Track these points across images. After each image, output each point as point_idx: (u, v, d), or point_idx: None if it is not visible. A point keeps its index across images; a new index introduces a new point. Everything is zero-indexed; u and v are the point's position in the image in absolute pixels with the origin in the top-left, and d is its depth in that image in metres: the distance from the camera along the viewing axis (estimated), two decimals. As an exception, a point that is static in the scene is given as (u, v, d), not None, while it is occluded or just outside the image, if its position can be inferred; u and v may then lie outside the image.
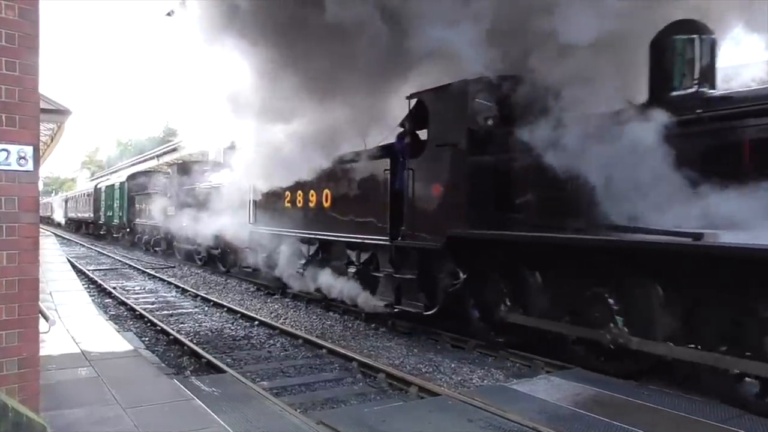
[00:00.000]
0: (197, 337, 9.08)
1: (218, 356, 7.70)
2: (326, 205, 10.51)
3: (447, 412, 5.27)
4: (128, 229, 28.37)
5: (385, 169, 9.03)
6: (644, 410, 5.23)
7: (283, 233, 11.96)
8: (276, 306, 11.86)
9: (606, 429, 4.81)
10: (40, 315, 3.88)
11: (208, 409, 4.85)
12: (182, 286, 14.42)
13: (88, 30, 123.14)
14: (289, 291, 13.06)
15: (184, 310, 11.43)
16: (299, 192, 11.31)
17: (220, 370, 6.83)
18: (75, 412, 4.65)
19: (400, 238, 8.63)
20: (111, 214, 31.92)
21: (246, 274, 15.09)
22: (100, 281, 14.99)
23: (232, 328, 9.80)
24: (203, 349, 7.98)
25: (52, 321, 5.13)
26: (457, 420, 5.03)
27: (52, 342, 6.56)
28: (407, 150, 8.75)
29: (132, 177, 29.41)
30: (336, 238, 10.37)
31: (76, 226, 45.68)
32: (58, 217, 53.82)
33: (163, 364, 7.13)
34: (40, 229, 4.46)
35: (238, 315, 10.71)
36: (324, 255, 11.21)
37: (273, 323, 9.77)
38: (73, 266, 16.65)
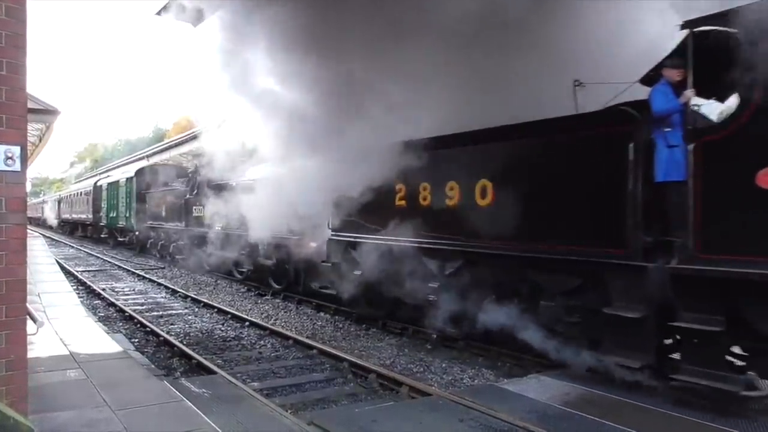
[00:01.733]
0: (187, 338, 9.04)
1: (208, 357, 7.67)
2: (483, 202, 7.26)
3: (438, 411, 5.28)
4: (137, 233, 24.35)
5: (625, 144, 5.75)
6: (634, 409, 5.27)
7: (393, 243, 8.63)
8: (267, 307, 11.83)
9: (596, 428, 4.83)
10: (27, 317, 3.84)
11: (198, 411, 4.83)
12: (172, 287, 14.34)
13: (77, 29, 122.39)
14: (276, 291, 13.11)
15: (174, 311, 11.37)
16: (424, 184, 8.14)
17: (210, 372, 6.80)
18: (63, 414, 4.62)
19: (676, 260, 5.30)
20: (114, 215, 27.99)
21: (321, 297, 11.60)
22: (89, 282, 14.88)
23: (223, 329, 9.76)
24: (193, 350, 7.95)
25: (40, 323, 5.10)
26: (448, 420, 5.04)
27: (41, 344, 6.50)
28: (686, 115, 5.48)
29: (141, 172, 25.22)
30: (507, 252, 6.97)
31: (70, 228, 41.69)
32: (51, 218, 49.94)
33: (152, 366, 7.09)
34: (29, 231, 4.39)
35: (229, 316, 10.66)
36: (472, 276, 7.70)
37: (264, 324, 9.74)
38: (62, 267, 16.52)
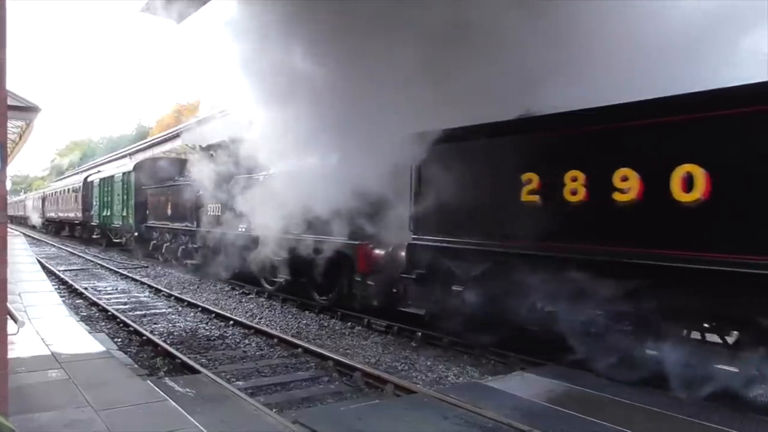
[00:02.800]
0: (171, 337, 8.98)
1: (192, 356, 7.63)
2: (686, 197, 5.30)
3: (423, 409, 5.29)
4: (136, 233, 21.57)
5: None
6: (617, 405, 5.33)
7: (523, 252, 6.67)
8: (251, 305, 11.78)
9: (580, 424, 4.88)
10: (8, 316, 3.79)
11: (182, 410, 4.80)
12: (155, 286, 14.23)
13: (57, 26, 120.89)
14: (264, 290, 12.87)
15: (158, 311, 11.29)
16: (574, 173, 6.16)
17: (194, 371, 6.76)
18: (45, 415, 4.57)
19: None
20: (108, 213, 24.92)
21: (408, 319, 9.13)
22: (71, 282, 14.71)
23: (207, 328, 9.71)
24: (177, 349, 7.90)
25: (21, 322, 5.04)
26: (432, 417, 5.06)
27: (22, 344, 6.43)
28: None
29: (141, 166, 22.38)
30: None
31: (56, 228, 38.46)
32: (34, 217, 46.67)
33: (136, 366, 7.03)
34: (9, 229, 4.31)
35: (213, 315, 10.61)
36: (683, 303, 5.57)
37: (248, 323, 9.70)
38: (43, 267, 16.32)
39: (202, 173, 14.74)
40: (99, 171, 32.25)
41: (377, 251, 9.42)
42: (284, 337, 8.65)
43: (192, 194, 16.29)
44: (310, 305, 11.19)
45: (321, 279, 10.81)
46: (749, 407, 5.30)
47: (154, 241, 20.30)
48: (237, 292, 13.41)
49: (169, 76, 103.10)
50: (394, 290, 9.10)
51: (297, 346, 8.13)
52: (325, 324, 9.96)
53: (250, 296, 12.85)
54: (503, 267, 6.87)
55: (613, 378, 6.02)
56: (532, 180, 6.61)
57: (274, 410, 5.36)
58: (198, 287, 14.39)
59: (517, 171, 6.72)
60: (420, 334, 8.61)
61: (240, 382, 6.64)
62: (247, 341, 8.77)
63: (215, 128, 15.34)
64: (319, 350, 7.78)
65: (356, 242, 9.61)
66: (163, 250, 19.33)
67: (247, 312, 11.11)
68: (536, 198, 6.54)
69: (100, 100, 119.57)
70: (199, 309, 11.20)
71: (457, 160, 7.43)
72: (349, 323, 9.86)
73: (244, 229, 12.87)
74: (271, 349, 8.28)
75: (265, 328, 9.29)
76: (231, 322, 9.95)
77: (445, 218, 7.68)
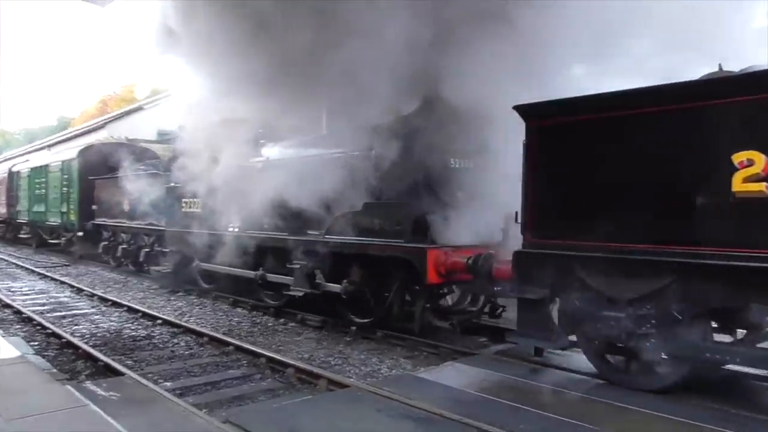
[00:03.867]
0: (93, 339, 8.58)
1: (117, 358, 7.31)
2: None
3: (356, 403, 5.29)
4: (79, 233, 18.34)
5: None
6: (546, 392, 5.49)
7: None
8: (180, 303, 11.43)
9: (510, 412, 5.00)
10: None
11: (105, 415, 4.60)
12: (77, 285, 13.57)
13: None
14: (193, 288, 12.47)
15: (79, 311, 10.76)
16: None
17: (118, 373, 6.49)
18: (-49, 426, 4.27)
19: None
20: (42, 209, 21.39)
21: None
22: (-18, 283, 13.84)
23: (133, 328, 9.35)
24: (100, 351, 7.55)
25: None
26: (365, 411, 5.06)
27: (-76, 351, 5.98)
28: None
29: (88, 152, 18.92)
30: None
31: None
32: None
33: (54, 370, 6.67)
34: None
35: (139, 314, 10.22)
36: None
37: (177, 321, 9.40)
38: (-49, 267, 15.27)
39: (180, 160, 11.60)
40: (27, 160, 28.28)
41: (456, 258, 7.18)
42: (215, 335, 8.44)
43: (161, 186, 13.44)
44: (242, 302, 10.95)
45: (364, 293, 8.42)
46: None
47: (105, 242, 17.06)
48: (166, 291, 12.98)
49: (94, 65, 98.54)
50: (499, 309, 7.81)
51: (228, 344, 7.95)
52: (258, 321, 9.79)
53: (180, 294, 12.47)
54: (694, 284, 5.01)
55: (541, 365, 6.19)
56: (755, 161, 4.62)
57: (203, 410, 5.22)
58: (123, 286, 13.83)
59: (727, 149, 4.73)
60: (354, 328, 8.59)
61: (168, 383, 6.43)
62: (175, 340, 8.49)
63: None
64: (251, 347, 7.63)
65: (423, 245, 7.36)
66: (118, 254, 16.22)
67: (176, 310, 10.77)
68: (762, 187, 4.57)
69: (18, 90, 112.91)
70: (125, 308, 10.77)
71: (611, 137, 5.50)
72: (282, 319, 9.73)
73: (236, 230, 10.52)
74: (201, 348, 8.06)
75: (195, 327, 9.03)
76: (159, 321, 9.62)
77: (586, 217, 5.67)
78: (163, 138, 17.07)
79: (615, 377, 5.72)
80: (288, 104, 9.02)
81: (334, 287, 8.56)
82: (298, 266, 9.17)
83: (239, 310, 10.68)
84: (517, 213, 6.10)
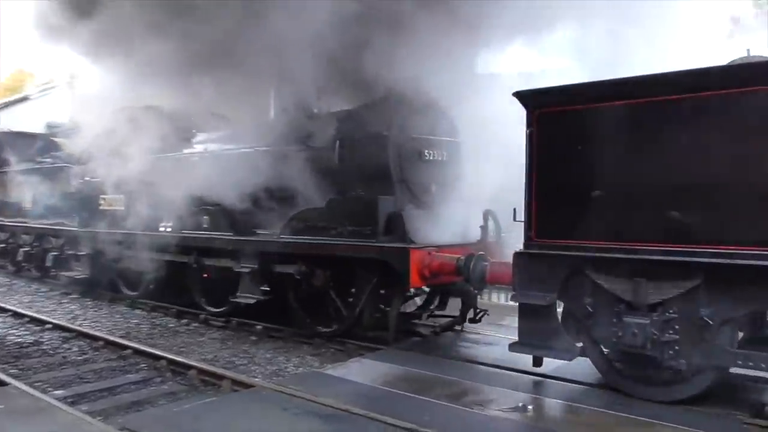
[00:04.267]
0: (-27, 347, 7.94)
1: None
2: None
3: (261, 403, 5.23)
4: None
5: None
6: (447, 383, 5.66)
7: None
8: (73, 307, 10.78)
9: (414, 404, 5.11)
10: None
11: (-15, 428, 4.27)
12: (-46, 289, 12.48)
13: None
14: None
15: (-44, 318, 9.91)
16: None
17: (1, 383, 6.03)
18: None
19: None
20: None
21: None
22: None
23: (18, 334, 8.71)
24: (-20, 360, 7.00)
25: None
26: (271, 410, 5.01)
27: None
28: None
29: None
30: None
31: None
32: None
33: (-73, 383, 6.12)
34: None
35: (26, 319, 9.54)
36: None
37: (69, 326, 8.86)
38: None
39: (96, 149, 10.30)
40: None
41: (442, 258, 6.55)
42: (111, 338, 8.03)
43: (72, 182, 12.16)
44: (141, 303, 10.47)
45: (328, 298, 7.64)
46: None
47: (3, 245, 15.16)
48: (56, 293, 12.18)
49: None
50: (480, 313, 7.39)
51: (126, 347, 7.59)
52: (158, 322, 9.42)
53: (72, 296, 11.74)
54: (725, 286, 4.61)
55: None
56: None
57: (98, 418, 4.97)
58: (8, 289, 12.85)
59: (765, 139, 4.43)
60: (260, 327, 8.46)
61: (59, 392, 6.05)
62: (67, 346, 8.00)
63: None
64: (150, 350, 7.33)
65: (405, 245, 6.65)
66: (19, 257, 14.21)
67: (68, 314, 10.15)
68: None
69: None
70: (10, 313, 10.01)
71: (631, 126, 5.03)
72: (185, 320, 9.42)
73: (170, 229, 9.43)
74: (96, 353, 7.65)
75: (89, 331, 8.55)
76: (48, 326, 9.01)
77: (601, 214, 5.16)
78: (53, 131, 15.77)
79: (628, 387, 5.20)
80: (221, 88, 8.52)
81: (287, 268, 7.74)
82: (247, 270, 8.37)
83: (138, 311, 10.21)
84: (515, 210, 5.58)
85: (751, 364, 4.60)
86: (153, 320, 9.57)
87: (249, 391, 5.65)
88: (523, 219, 5.49)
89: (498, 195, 6.61)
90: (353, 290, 7.36)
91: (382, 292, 7.22)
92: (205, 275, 9.21)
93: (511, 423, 4.76)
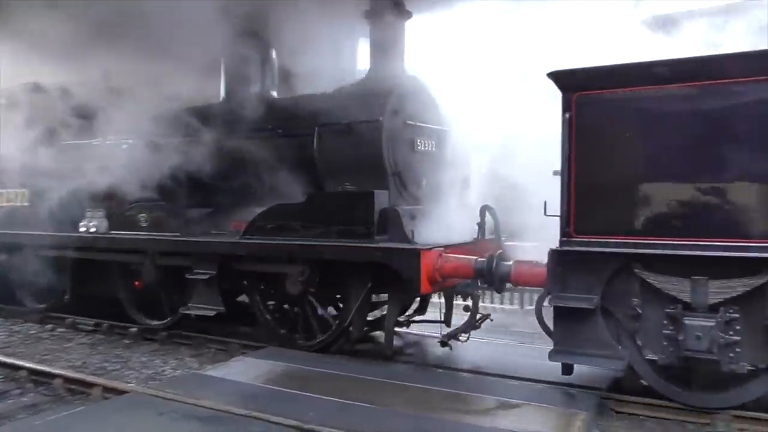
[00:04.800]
0: None
1: None
2: None
3: (135, 409, 4.95)
4: None
5: None
6: (328, 378, 5.68)
7: None
8: None
9: (296, 399, 5.07)
10: None
11: None
12: None
13: None
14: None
15: None
16: None
17: None
18: None
19: None
20: None
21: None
22: None
23: None
24: None
25: None
26: (146, 416, 4.76)
27: None
28: None
29: None
30: None
31: None
32: None
33: None
34: None
35: None
36: None
37: None
38: None
39: None
40: None
41: (456, 260, 5.88)
42: (-41, 349, 7.28)
43: None
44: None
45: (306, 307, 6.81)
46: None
47: None
48: None
49: None
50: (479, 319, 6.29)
51: (-23, 358, 6.90)
52: (17, 329, 8.64)
53: None
54: None
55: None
56: None
57: (-56, 439, 4.49)
58: None
59: None
60: (135, 329, 8.01)
61: None
62: None
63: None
64: (7, 360, 6.71)
65: (415, 246, 5.93)
66: None
67: None
68: None
69: None
70: None
71: (690, 110, 4.66)
72: (50, 325, 8.72)
73: (93, 229, 8.07)
74: (-58, 366, 6.89)
75: (-69, 342, 7.69)
76: None
77: (653, 206, 4.76)
78: None
79: (678, 395, 4.90)
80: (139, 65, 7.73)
81: (268, 268, 6.78)
82: (204, 277, 7.14)
83: (-6, 319, 9.32)
84: (546, 203, 5.10)
85: None
86: (11, 327, 8.78)
87: (123, 398, 5.34)
88: (555, 214, 5.02)
89: (495, 190, 6.39)
90: (339, 297, 6.75)
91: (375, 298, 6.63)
92: (137, 283, 7.96)
93: (396, 415, 4.85)
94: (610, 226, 4.87)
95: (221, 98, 8.11)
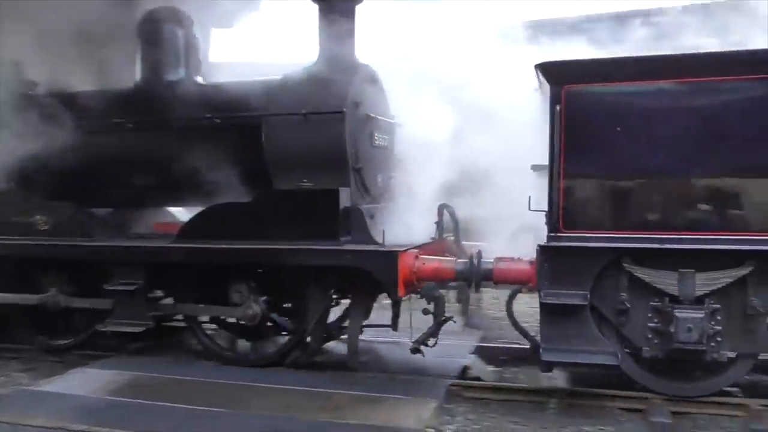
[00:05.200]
0: None
1: None
2: None
3: (-52, 436, 4.40)
4: None
5: None
6: (180, 385, 5.44)
7: None
8: None
9: (142, 410, 4.80)
10: None
11: None
12: None
13: None
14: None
15: None
16: None
17: None
18: None
19: None
20: None
21: None
22: None
23: None
24: None
25: None
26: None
27: None
28: None
29: None
30: None
31: None
32: None
33: None
34: None
35: None
36: None
37: None
38: None
39: None
40: None
41: (438, 262, 5.62)
42: None
43: None
44: None
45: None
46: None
47: None
48: None
49: None
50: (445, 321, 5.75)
51: None
52: None
53: None
54: None
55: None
56: None
57: None
58: None
59: None
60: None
61: None
62: None
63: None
64: None
65: (391, 248, 5.46)
66: None
67: None
68: None
69: None
70: None
71: (682, 107, 4.79)
72: None
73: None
74: None
75: None
76: None
77: (642, 201, 4.91)
78: None
79: (663, 386, 5.02)
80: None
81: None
82: (129, 288, 6.15)
83: None
84: (530, 198, 4.99)
85: None
86: None
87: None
88: (540, 209, 4.98)
89: (451, 188, 6.18)
90: (290, 305, 6.22)
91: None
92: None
93: (249, 417, 4.73)
94: (600, 221, 4.91)
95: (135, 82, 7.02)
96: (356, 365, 5.84)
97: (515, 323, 5.57)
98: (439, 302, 5.56)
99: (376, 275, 5.39)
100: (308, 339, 6.01)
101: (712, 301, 4.73)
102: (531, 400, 5.19)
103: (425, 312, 5.60)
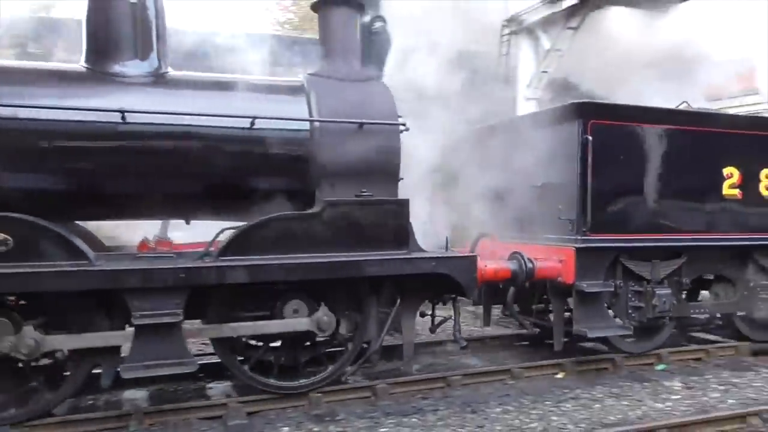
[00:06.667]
0: None
1: None
2: None
3: None
4: None
5: None
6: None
7: None
8: None
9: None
10: None
11: None
12: None
13: None
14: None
15: None
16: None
17: None
18: None
19: None
20: None
21: None
22: None
23: None
24: None
25: None
26: None
27: None
28: None
29: None
30: None
31: None
32: None
33: None
34: None
35: None
36: None
37: None
38: None
39: None
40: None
41: (498, 264, 6.47)
42: None
43: None
44: None
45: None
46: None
47: None
48: None
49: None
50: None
51: None
52: None
53: None
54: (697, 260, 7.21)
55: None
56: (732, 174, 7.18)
57: None
58: None
59: (718, 164, 7.11)
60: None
61: None
62: None
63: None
64: None
65: (468, 254, 6.03)
66: None
67: None
68: (736, 192, 7.18)
69: None
70: None
71: (654, 145, 6.71)
72: None
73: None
74: None
75: None
76: None
77: (635, 212, 6.70)
78: None
79: (627, 346, 7.06)
80: None
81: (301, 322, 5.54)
82: (165, 321, 4.93)
83: None
84: (560, 208, 6.46)
85: (698, 311, 7.51)
86: None
87: None
88: (567, 218, 6.44)
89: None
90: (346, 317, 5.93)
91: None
92: None
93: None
94: (611, 226, 6.56)
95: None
96: (411, 367, 6.39)
97: (520, 320, 7.61)
98: (455, 303, 6.23)
99: (457, 279, 5.80)
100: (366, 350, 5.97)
101: (664, 282, 6.83)
102: (107, 428, 4.90)
103: (422, 315, 6.34)
